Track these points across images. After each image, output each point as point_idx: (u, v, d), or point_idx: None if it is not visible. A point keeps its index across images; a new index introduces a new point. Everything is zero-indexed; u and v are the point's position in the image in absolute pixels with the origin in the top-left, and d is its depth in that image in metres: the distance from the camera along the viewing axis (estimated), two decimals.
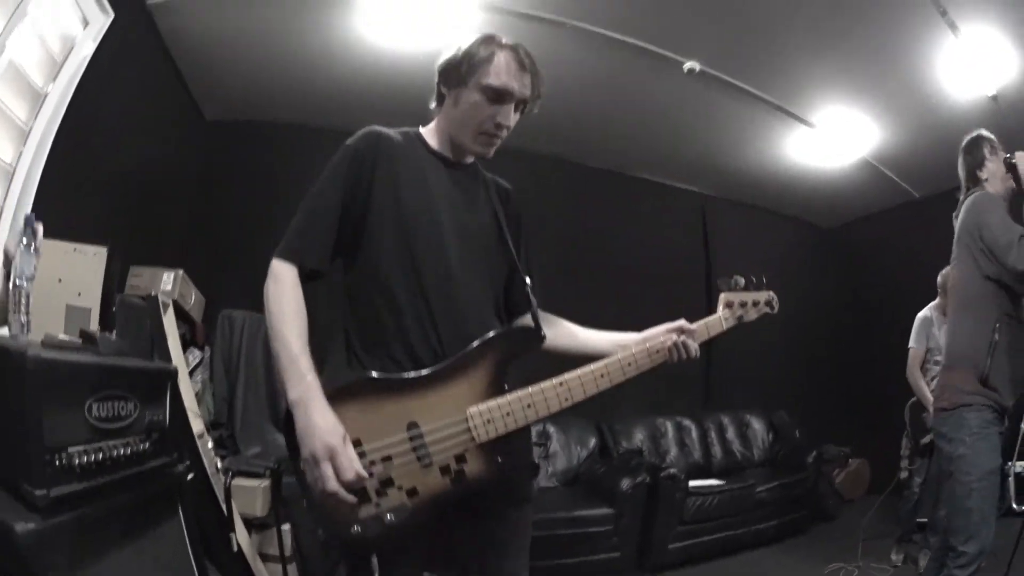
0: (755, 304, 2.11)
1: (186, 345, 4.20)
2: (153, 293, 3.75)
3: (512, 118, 1.91)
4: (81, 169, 3.53)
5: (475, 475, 1.74)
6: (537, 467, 2.03)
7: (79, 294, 3.03)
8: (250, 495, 3.77)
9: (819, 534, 6.08)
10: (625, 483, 5.02)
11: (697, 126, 6.44)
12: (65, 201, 2.73)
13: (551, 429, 5.92)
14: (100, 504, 1.86)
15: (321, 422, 1.59)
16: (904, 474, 5.23)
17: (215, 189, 5.70)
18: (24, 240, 2.11)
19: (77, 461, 1.78)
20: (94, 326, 2.95)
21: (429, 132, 2.01)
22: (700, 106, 5.97)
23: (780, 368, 7.81)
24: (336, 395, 1.65)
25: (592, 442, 6.10)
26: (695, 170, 7.44)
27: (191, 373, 4.11)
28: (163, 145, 4.94)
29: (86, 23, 3.63)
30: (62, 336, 2.29)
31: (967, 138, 3.28)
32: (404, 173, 1.88)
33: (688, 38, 5.11)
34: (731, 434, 6.83)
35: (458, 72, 1.88)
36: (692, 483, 5.42)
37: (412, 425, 1.70)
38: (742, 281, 2.08)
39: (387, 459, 1.68)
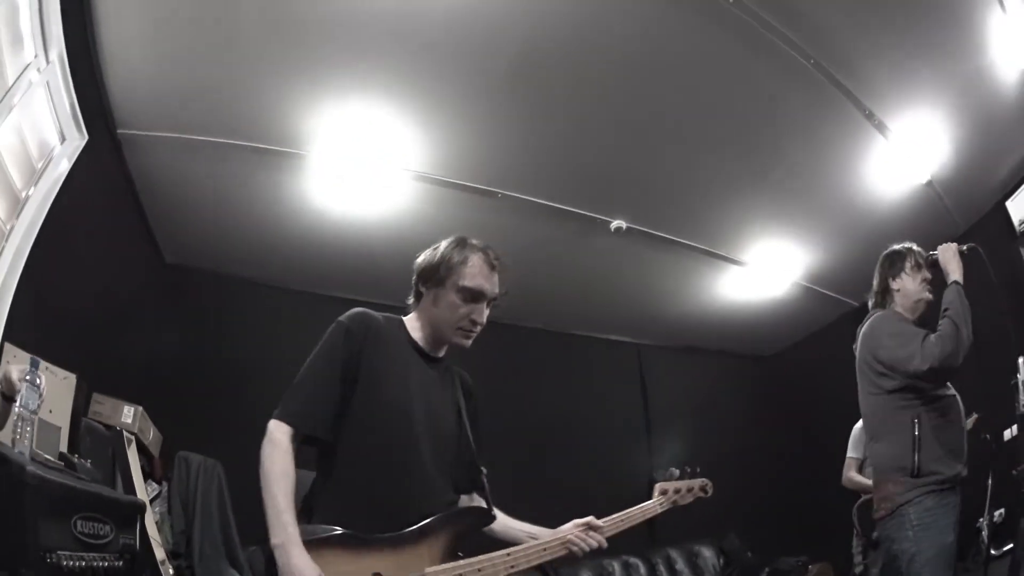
0: (689, 490, 2.44)
1: (144, 477, 4.34)
2: (117, 427, 3.95)
3: (485, 314, 2.19)
4: (51, 287, 3.65)
5: None
6: None
7: (50, 411, 3.20)
8: None
9: None
10: None
11: (628, 280, 6.69)
12: (35, 314, 2.92)
13: None
14: None
15: (300, 563, 1.77)
16: (859, 568, 5.30)
17: (173, 331, 5.71)
18: (29, 378, 2.36)
19: (65, 563, 2.06)
20: (63, 445, 3.16)
21: (411, 323, 2.26)
22: (630, 261, 6.27)
23: (725, 495, 7.76)
24: (312, 544, 1.83)
25: None
26: (630, 322, 7.66)
27: (150, 502, 4.24)
28: (126, 280, 5.06)
29: (63, 138, 3.87)
30: (47, 456, 2.55)
31: (891, 248, 3.30)
32: (387, 361, 2.11)
33: (612, 198, 5.51)
34: (680, 565, 6.88)
35: (436, 274, 2.16)
36: None
37: (376, 575, 1.87)
38: (676, 472, 2.43)
39: None
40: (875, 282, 3.29)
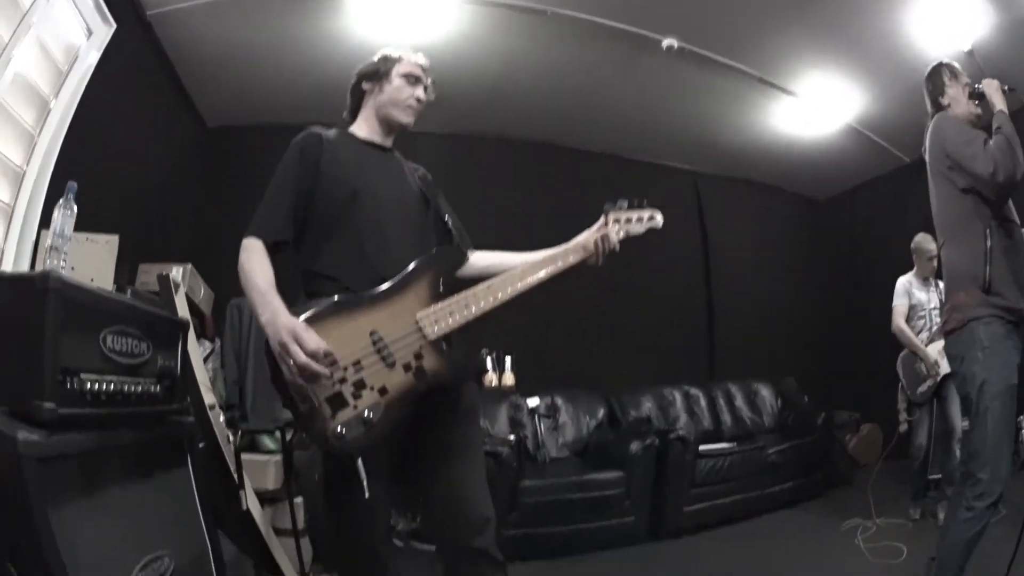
0: (639, 220, 2.41)
1: (197, 338, 4.29)
2: (164, 273, 3.83)
3: (423, 93, 2.42)
4: (89, 172, 3.56)
5: (432, 368, 2.07)
6: (484, 366, 2.34)
7: (91, 279, 3.13)
8: (262, 469, 3.84)
9: (835, 497, 6.05)
10: (634, 446, 5.06)
11: (682, 103, 6.51)
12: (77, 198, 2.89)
13: (559, 401, 6.02)
14: (107, 435, 1.91)
15: (285, 320, 1.92)
16: (903, 427, 5.27)
17: (220, 192, 5.88)
18: (64, 204, 2.24)
19: (88, 387, 1.83)
20: None
21: (356, 127, 2.47)
22: (682, 83, 6.07)
23: (783, 338, 7.91)
24: (308, 321, 1.96)
25: (600, 412, 6.15)
26: (685, 148, 7.48)
27: (203, 360, 4.19)
28: (168, 152, 5.14)
29: (89, 33, 3.78)
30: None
31: (928, 68, 3.27)
32: (343, 158, 2.29)
33: (664, 16, 5.26)
34: (740, 401, 6.85)
35: (378, 71, 2.42)
36: (702, 447, 5.45)
37: (374, 332, 2.03)
38: (625, 203, 2.42)
39: (357, 364, 1.98)
40: (928, 105, 3.25)
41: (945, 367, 4.58)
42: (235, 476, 3.33)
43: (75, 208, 2.29)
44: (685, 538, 5.14)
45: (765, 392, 7.05)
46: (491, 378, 5.89)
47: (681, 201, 7.82)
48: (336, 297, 2.06)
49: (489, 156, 6.84)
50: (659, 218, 2.42)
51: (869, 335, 6.18)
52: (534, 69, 5.72)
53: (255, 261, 2.10)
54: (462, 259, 2.34)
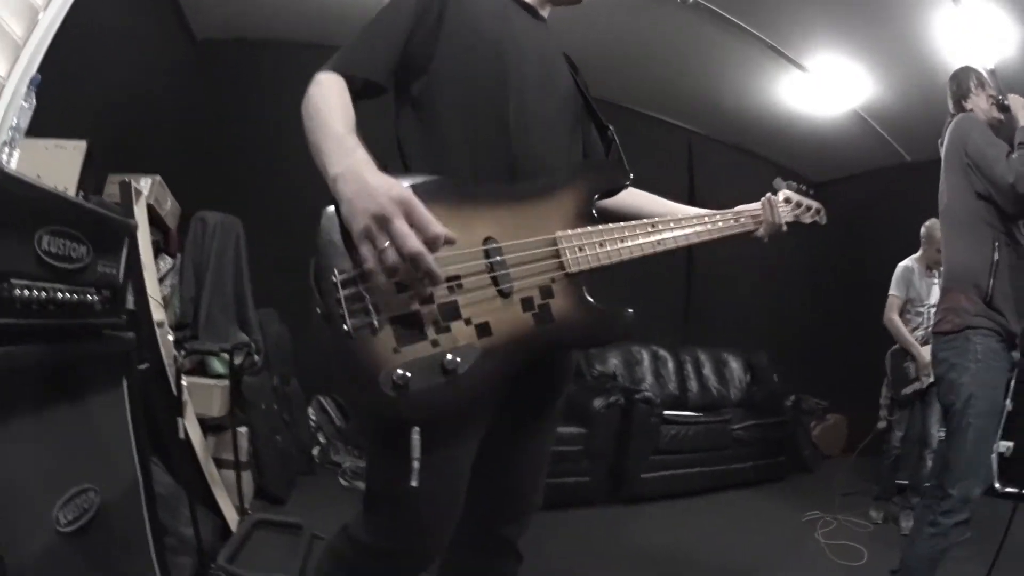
0: (808, 208, 1.99)
1: (157, 251, 4.08)
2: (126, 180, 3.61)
3: None
4: (69, 80, 3.45)
5: (563, 315, 1.41)
6: (630, 328, 1.55)
7: (55, 186, 2.96)
8: (207, 393, 3.64)
9: (797, 484, 6.01)
10: (598, 402, 4.94)
11: (691, 59, 6.30)
12: (49, 111, 2.64)
13: None
14: (32, 350, 1.65)
15: (379, 181, 1.22)
16: (882, 424, 5.18)
17: (204, 106, 5.69)
18: (24, 97, 2.10)
19: (18, 293, 1.57)
20: None
21: None
22: (695, 39, 5.88)
23: (760, 314, 7.85)
24: None
25: None
26: (685, 105, 7.28)
27: (161, 280, 3.99)
28: (154, 66, 4.97)
29: None
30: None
31: (953, 71, 3.21)
32: (484, 7, 1.62)
33: None
34: (708, 370, 6.72)
35: None
36: (668, 412, 5.37)
37: (489, 239, 1.36)
38: (794, 185, 1.99)
39: (455, 280, 1.31)
40: (949, 102, 3.19)
41: None
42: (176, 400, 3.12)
43: (34, 101, 2.13)
44: (641, 505, 5.04)
45: (735, 364, 6.93)
46: None
47: (672, 158, 7.64)
48: (439, 178, 1.38)
49: None
50: (824, 217, 2.03)
51: (848, 325, 6.11)
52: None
53: (332, 95, 1.40)
54: (622, 182, 1.67)
